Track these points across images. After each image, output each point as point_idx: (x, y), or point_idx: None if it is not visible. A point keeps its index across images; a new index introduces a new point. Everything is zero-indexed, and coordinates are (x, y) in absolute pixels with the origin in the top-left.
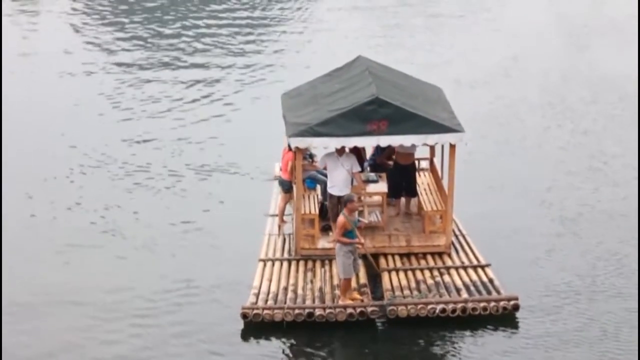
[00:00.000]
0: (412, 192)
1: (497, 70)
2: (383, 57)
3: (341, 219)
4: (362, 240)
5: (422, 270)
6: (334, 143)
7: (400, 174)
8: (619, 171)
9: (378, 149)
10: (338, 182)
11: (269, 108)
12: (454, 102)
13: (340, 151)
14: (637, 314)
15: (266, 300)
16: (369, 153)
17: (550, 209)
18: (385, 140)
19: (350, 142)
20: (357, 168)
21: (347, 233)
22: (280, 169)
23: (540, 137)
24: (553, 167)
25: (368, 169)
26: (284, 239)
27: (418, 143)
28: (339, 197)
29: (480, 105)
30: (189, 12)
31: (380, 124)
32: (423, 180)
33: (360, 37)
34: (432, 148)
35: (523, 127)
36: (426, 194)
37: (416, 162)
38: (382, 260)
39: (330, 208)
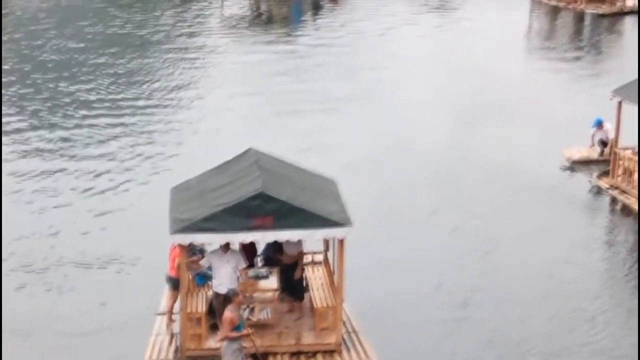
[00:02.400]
0: (296, 294)
1: (388, 152)
2: (276, 143)
3: (228, 314)
4: (250, 332)
5: None
6: (218, 239)
7: (284, 272)
8: (510, 254)
9: (269, 243)
10: (224, 280)
11: (167, 200)
12: (344, 186)
13: (225, 247)
14: None
15: None
16: (262, 246)
17: (444, 294)
18: (271, 236)
19: (235, 238)
20: (243, 264)
21: (235, 328)
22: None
23: (430, 219)
24: (444, 251)
25: (260, 263)
26: (171, 339)
27: (305, 238)
28: (226, 295)
29: (372, 187)
30: (82, 104)
31: (265, 220)
32: (317, 275)
33: (256, 125)
34: (325, 242)
35: (413, 210)
36: (317, 289)
37: (308, 256)
38: None
39: (217, 307)
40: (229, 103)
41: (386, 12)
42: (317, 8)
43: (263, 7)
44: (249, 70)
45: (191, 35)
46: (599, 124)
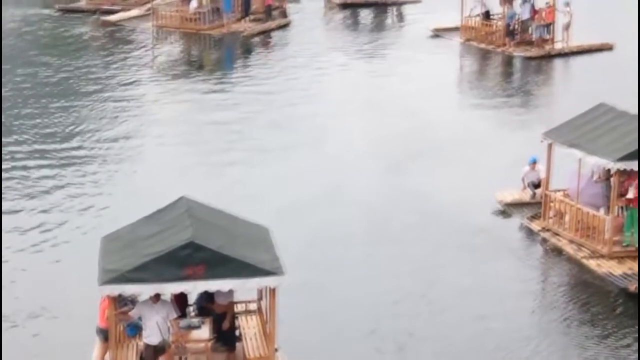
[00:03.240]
0: (228, 343)
1: (322, 197)
2: (210, 191)
3: None
4: None
5: None
6: (148, 290)
7: (217, 322)
8: (444, 298)
9: (202, 293)
10: (155, 331)
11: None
12: (278, 233)
13: (156, 298)
14: None
15: None
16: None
17: (379, 339)
18: (202, 286)
19: (165, 288)
20: (174, 315)
21: None
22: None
23: (364, 264)
24: (379, 296)
25: (192, 313)
26: None
27: (236, 288)
28: (157, 347)
29: (306, 233)
30: (11, 156)
31: (197, 269)
32: (251, 324)
33: (189, 173)
34: (259, 290)
35: (347, 255)
36: (250, 338)
37: (242, 305)
38: None
39: (147, 359)
40: (161, 151)
41: (320, 58)
42: (249, 54)
43: (194, 53)
44: (181, 118)
45: (123, 83)
46: (534, 162)
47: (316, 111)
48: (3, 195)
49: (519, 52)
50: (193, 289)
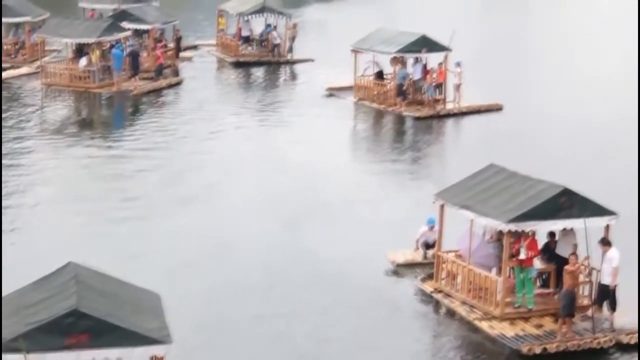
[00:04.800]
0: None
1: (213, 256)
2: (99, 253)
3: None
4: None
5: None
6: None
7: None
8: (334, 359)
9: None
10: None
11: None
12: (168, 293)
13: None
14: None
15: None
16: None
17: None
18: (86, 355)
19: (48, 358)
20: None
21: None
22: None
23: (255, 326)
24: (270, 358)
25: None
26: None
27: (123, 357)
28: None
29: (196, 293)
30: None
31: (80, 338)
32: None
33: (79, 236)
34: (150, 358)
35: (239, 317)
36: None
37: None
38: None
39: None
40: (50, 215)
41: (212, 117)
42: (139, 113)
43: (84, 113)
44: (70, 179)
45: (12, 146)
46: (432, 225)
47: (209, 171)
48: None
49: (409, 112)
50: (76, 358)
